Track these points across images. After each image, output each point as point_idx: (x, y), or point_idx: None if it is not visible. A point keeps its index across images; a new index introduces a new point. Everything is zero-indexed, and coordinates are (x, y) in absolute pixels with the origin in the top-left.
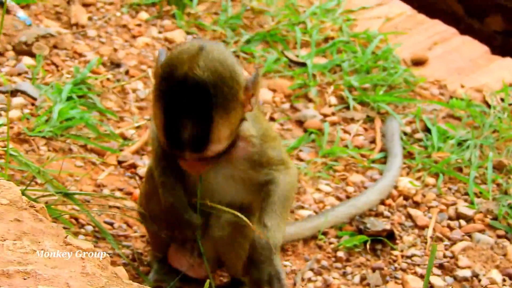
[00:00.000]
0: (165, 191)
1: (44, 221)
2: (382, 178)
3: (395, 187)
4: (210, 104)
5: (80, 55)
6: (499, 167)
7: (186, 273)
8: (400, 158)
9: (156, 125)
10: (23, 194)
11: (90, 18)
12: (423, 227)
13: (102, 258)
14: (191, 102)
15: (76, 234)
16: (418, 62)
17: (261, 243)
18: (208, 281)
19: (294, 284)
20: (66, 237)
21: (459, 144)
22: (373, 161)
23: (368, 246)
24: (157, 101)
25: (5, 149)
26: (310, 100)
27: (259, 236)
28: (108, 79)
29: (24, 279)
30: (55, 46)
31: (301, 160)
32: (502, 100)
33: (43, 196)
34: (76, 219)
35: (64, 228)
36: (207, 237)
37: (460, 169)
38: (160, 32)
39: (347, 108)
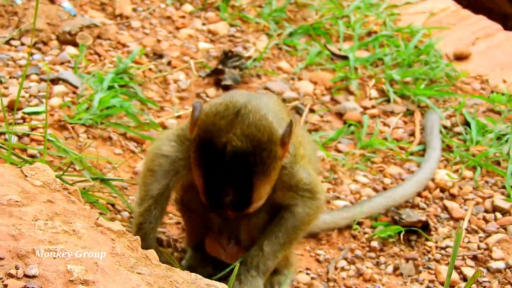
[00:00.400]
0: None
1: (76, 203)
2: (420, 170)
3: (432, 180)
4: (250, 171)
5: (124, 45)
6: None
7: (222, 260)
8: (439, 151)
9: (196, 182)
10: (59, 179)
11: (134, 9)
12: (458, 219)
13: (133, 240)
14: (231, 171)
15: (112, 219)
16: (461, 57)
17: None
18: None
19: (327, 273)
20: (97, 219)
21: (498, 138)
22: (411, 154)
23: (402, 237)
24: (196, 165)
25: (44, 135)
26: (351, 93)
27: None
28: (150, 70)
29: (54, 258)
30: (98, 37)
31: (339, 151)
32: None
33: (80, 181)
34: (113, 205)
35: (100, 213)
36: (243, 224)
37: (498, 163)
38: (203, 24)
39: (388, 101)
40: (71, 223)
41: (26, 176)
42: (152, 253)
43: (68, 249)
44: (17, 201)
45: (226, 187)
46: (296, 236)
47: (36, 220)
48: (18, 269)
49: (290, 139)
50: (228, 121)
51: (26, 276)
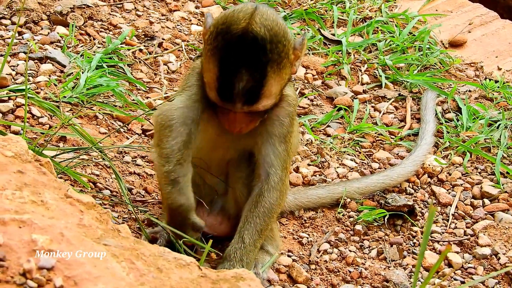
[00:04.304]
0: (175, 191)
1: (47, 174)
2: (417, 147)
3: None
4: (266, 58)
5: (115, 26)
6: None
7: (205, 232)
8: (434, 124)
9: (207, 81)
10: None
11: None
12: (446, 205)
13: (103, 212)
14: (248, 56)
15: (93, 197)
16: (456, 44)
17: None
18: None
19: (309, 255)
20: (67, 191)
21: (490, 125)
22: (401, 139)
23: (387, 221)
24: (211, 56)
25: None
26: (342, 78)
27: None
28: (140, 51)
29: (20, 227)
30: (90, 18)
31: (328, 135)
32: None
33: (65, 159)
34: (94, 183)
35: (81, 191)
36: (228, 194)
37: (488, 149)
38: (197, 7)
39: (380, 86)
40: (40, 193)
41: None
42: (124, 227)
43: (34, 219)
44: None
45: (240, 73)
46: (270, 219)
47: (4, 190)
48: None
49: (301, 53)
50: (247, 13)
51: None
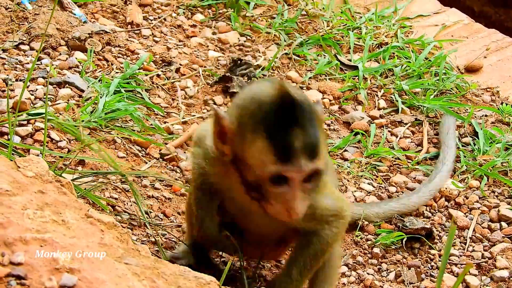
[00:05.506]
0: (202, 224)
1: (68, 194)
2: (436, 170)
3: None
4: (309, 114)
5: (133, 52)
6: None
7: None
8: (455, 150)
9: (254, 160)
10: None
11: (146, 18)
12: (463, 228)
13: (123, 232)
14: (293, 114)
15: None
16: (472, 70)
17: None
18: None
19: None
20: (88, 211)
21: (507, 148)
22: (418, 163)
23: (404, 244)
24: (255, 126)
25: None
26: (359, 103)
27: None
28: (158, 76)
29: (41, 246)
30: (108, 43)
31: (345, 159)
32: None
33: (84, 183)
34: (113, 206)
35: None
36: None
37: (505, 173)
38: (214, 33)
39: (396, 111)
40: (61, 213)
41: (19, 167)
42: (144, 248)
43: (56, 237)
44: (7, 191)
45: (294, 130)
46: (323, 257)
47: (26, 209)
48: (4, 256)
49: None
50: (268, 84)
51: (11, 263)
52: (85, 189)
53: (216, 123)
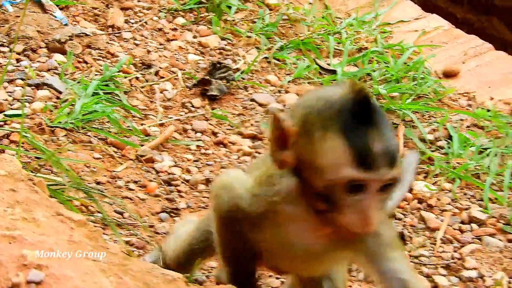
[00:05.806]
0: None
1: (39, 193)
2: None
3: (410, 191)
4: (388, 119)
5: (113, 55)
6: None
7: None
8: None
9: (327, 153)
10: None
11: (127, 21)
12: (434, 230)
13: (93, 230)
14: (375, 116)
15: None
16: (450, 74)
17: None
18: None
19: None
20: (59, 209)
21: (481, 152)
22: None
23: None
24: (326, 122)
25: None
26: None
27: None
28: (137, 79)
29: (10, 243)
30: (88, 46)
31: None
32: None
33: (55, 184)
34: (87, 207)
35: None
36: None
37: (478, 176)
38: (194, 37)
39: None
40: (31, 211)
41: None
42: (114, 247)
43: (25, 235)
44: None
45: (372, 132)
46: None
47: None
48: None
49: None
50: (343, 88)
51: None
52: (56, 190)
53: (275, 127)
